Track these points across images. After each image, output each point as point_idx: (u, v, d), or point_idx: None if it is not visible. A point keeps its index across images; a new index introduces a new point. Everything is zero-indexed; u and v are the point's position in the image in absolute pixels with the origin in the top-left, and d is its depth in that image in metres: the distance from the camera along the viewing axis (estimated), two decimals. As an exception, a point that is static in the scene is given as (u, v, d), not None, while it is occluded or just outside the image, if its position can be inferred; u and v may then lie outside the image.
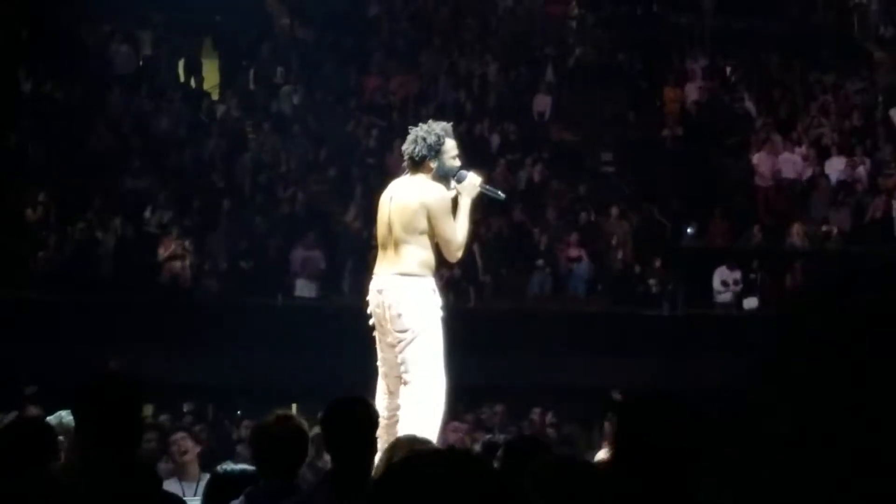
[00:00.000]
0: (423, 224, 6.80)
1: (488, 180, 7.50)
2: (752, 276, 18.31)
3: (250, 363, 16.04)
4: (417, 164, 6.92)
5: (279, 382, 15.57)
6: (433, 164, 6.91)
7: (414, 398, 6.70)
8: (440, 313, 6.84)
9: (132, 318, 16.24)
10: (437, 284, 6.97)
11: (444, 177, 6.97)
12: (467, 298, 17.72)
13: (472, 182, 7.00)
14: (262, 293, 17.49)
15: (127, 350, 15.23)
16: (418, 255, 6.81)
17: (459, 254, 6.89)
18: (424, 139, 6.91)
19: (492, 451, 5.08)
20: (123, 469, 3.80)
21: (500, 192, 7.44)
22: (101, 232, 17.38)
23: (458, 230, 6.85)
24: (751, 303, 18.23)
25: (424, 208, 6.80)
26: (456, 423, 12.09)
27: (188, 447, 8.77)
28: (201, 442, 10.65)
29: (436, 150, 6.91)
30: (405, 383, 6.76)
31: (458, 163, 7.03)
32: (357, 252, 17.06)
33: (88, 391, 3.96)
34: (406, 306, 6.74)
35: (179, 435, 8.94)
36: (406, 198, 6.87)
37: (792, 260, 18.37)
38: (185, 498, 5.29)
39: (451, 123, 7.17)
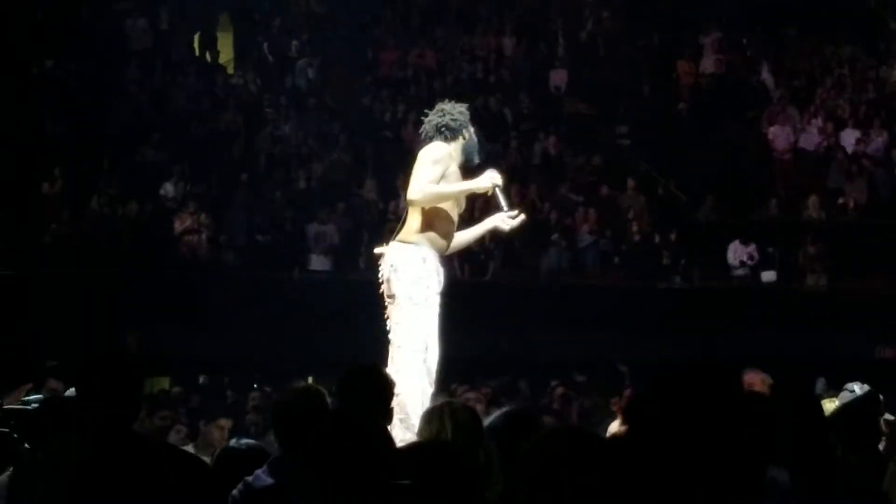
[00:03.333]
0: None
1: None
2: (770, 249, 18.25)
3: (267, 336, 16.11)
4: (454, 132, 7.06)
5: (295, 355, 15.65)
6: (466, 135, 7.08)
7: (394, 361, 6.76)
8: (434, 285, 6.84)
9: (149, 292, 16.31)
10: (441, 257, 6.95)
11: (471, 153, 7.12)
12: (484, 272, 17.75)
13: (492, 176, 7.02)
14: (279, 267, 17.55)
15: (144, 324, 15.33)
16: (418, 222, 6.88)
17: (413, 197, 6.83)
18: (460, 113, 7.13)
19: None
20: (118, 442, 3.83)
21: (506, 205, 7.17)
22: (118, 206, 17.45)
23: (432, 183, 6.82)
24: (769, 276, 18.20)
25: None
26: (473, 394, 12.11)
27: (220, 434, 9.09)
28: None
29: (465, 126, 7.11)
30: (391, 345, 6.84)
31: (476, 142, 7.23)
32: (373, 226, 17.10)
33: (86, 366, 3.98)
34: (393, 272, 6.81)
35: (220, 422, 9.35)
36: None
37: (809, 232, 18.33)
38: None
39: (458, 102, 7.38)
